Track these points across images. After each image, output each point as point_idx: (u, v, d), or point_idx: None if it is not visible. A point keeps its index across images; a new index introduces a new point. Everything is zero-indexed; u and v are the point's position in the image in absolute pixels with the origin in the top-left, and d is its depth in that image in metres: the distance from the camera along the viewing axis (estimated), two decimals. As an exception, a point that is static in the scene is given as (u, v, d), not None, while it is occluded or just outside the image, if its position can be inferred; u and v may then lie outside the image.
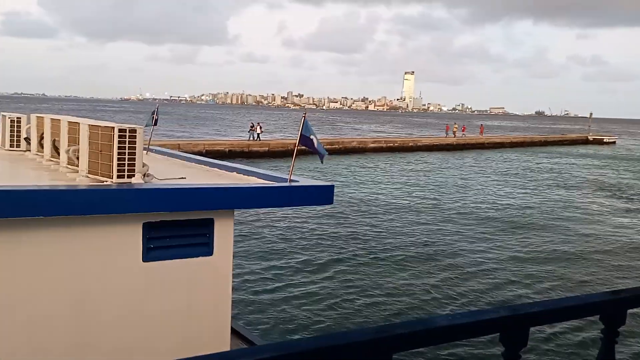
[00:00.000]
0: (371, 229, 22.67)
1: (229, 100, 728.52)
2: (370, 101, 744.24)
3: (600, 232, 24.07)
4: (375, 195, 31.25)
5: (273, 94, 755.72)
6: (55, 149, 6.38)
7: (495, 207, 29.18)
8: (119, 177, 5.10)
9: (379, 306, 14.28)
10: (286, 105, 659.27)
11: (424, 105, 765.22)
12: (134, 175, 5.18)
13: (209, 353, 1.41)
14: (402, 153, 58.49)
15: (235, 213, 5.85)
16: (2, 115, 7.78)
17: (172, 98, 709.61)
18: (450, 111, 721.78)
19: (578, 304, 2.10)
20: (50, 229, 4.80)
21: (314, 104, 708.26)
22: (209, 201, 5.49)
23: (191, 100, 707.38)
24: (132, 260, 5.22)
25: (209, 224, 5.61)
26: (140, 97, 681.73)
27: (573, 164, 57.06)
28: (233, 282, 6.14)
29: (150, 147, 8.24)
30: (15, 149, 7.62)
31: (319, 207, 23.80)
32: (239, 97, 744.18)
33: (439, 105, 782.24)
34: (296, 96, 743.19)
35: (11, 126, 7.61)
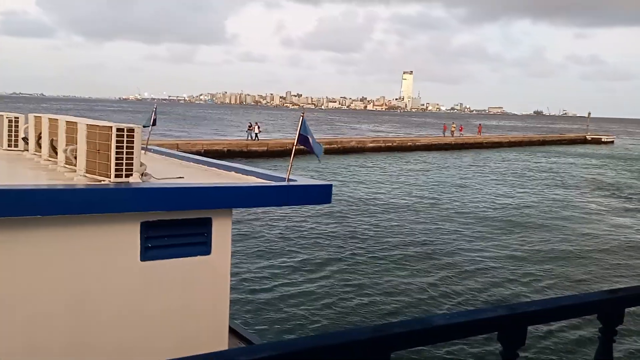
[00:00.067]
0: (369, 228, 22.68)
1: (227, 100, 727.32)
2: (368, 101, 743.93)
3: (598, 231, 24.11)
4: (373, 195, 31.26)
5: (272, 94, 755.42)
6: (53, 149, 6.38)
7: (493, 207, 29.21)
8: (116, 176, 5.10)
9: (377, 305, 14.29)
10: (285, 105, 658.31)
11: (423, 104, 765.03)
12: (131, 175, 5.18)
13: (206, 352, 1.41)
14: (400, 152, 58.58)
15: (233, 212, 5.85)
16: (0, 115, 7.78)
17: (170, 98, 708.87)
18: (448, 111, 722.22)
19: (576, 303, 2.09)
20: (48, 229, 4.80)
21: (313, 103, 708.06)
22: (207, 200, 5.49)
23: (190, 100, 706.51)
24: (130, 260, 5.22)
25: (206, 223, 5.61)
26: (138, 97, 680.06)
27: (571, 163, 57.14)
28: (231, 281, 6.14)
29: (149, 146, 8.25)
30: (13, 148, 7.63)
31: (317, 207, 23.84)
32: (238, 97, 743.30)
33: (437, 104, 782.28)
34: (295, 96, 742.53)
35: (9, 126, 7.62)
